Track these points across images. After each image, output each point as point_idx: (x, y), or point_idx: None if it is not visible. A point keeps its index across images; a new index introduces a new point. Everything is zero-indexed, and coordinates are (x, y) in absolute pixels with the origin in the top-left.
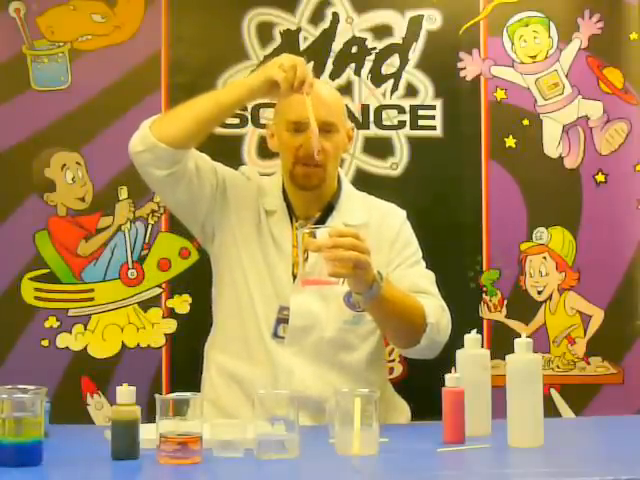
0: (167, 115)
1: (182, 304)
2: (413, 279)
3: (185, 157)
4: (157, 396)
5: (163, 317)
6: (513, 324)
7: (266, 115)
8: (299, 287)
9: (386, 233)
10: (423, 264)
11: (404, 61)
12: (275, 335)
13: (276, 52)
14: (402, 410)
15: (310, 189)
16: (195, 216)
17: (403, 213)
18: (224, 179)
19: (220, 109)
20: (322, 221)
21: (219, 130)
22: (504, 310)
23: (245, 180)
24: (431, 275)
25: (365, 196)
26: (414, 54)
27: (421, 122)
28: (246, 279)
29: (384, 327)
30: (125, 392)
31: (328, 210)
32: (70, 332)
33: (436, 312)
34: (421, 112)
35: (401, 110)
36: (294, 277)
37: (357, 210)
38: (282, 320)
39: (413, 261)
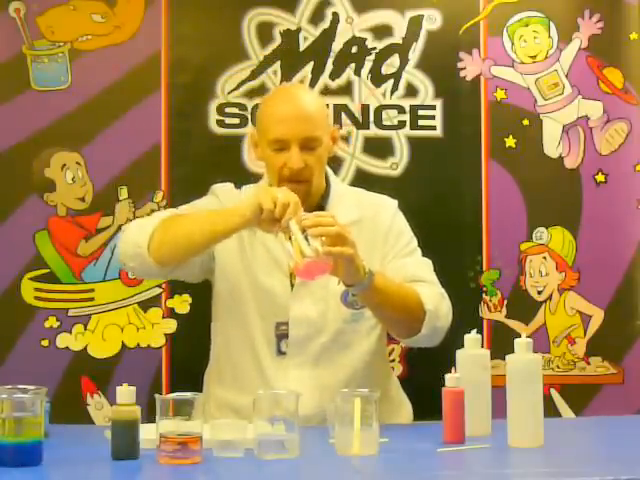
0: (162, 237)
1: (182, 304)
2: (409, 269)
3: None
4: (157, 396)
5: (163, 317)
6: (513, 324)
7: None
8: (297, 295)
9: (379, 227)
10: (419, 252)
11: (404, 61)
12: (279, 352)
13: (276, 52)
14: (404, 407)
15: None
16: (194, 276)
17: (394, 203)
18: None
19: (215, 238)
20: None
21: (219, 130)
22: (504, 310)
23: (217, 205)
24: (428, 263)
25: (355, 191)
26: (414, 54)
27: (421, 122)
28: (240, 308)
29: (383, 319)
30: (125, 392)
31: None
32: (70, 332)
33: (434, 299)
34: (421, 112)
35: (401, 110)
36: (292, 286)
37: (348, 208)
38: (282, 336)
39: (408, 251)
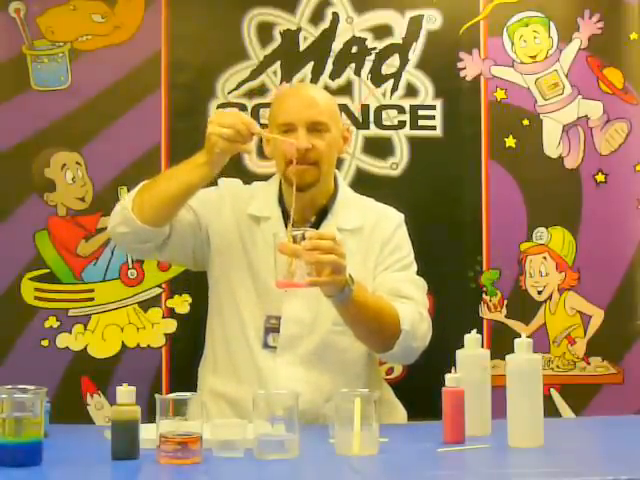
0: (143, 196)
1: (182, 304)
2: (397, 284)
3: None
4: (157, 396)
5: (163, 317)
6: (513, 324)
7: (266, 115)
8: (291, 292)
9: (378, 236)
10: (413, 269)
11: (404, 61)
12: (266, 345)
13: (276, 52)
14: (399, 410)
15: (305, 189)
16: (189, 261)
17: (399, 217)
18: (196, 214)
19: (189, 190)
20: (317, 225)
21: None
22: (504, 310)
23: (217, 199)
24: (418, 281)
25: (363, 199)
26: (414, 54)
27: (421, 122)
28: (235, 296)
29: (355, 331)
30: (125, 392)
31: (323, 214)
32: (70, 332)
33: (413, 319)
34: (421, 112)
35: (401, 110)
36: None
37: (352, 214)
38: (270, 330)
39: (401, 265)
